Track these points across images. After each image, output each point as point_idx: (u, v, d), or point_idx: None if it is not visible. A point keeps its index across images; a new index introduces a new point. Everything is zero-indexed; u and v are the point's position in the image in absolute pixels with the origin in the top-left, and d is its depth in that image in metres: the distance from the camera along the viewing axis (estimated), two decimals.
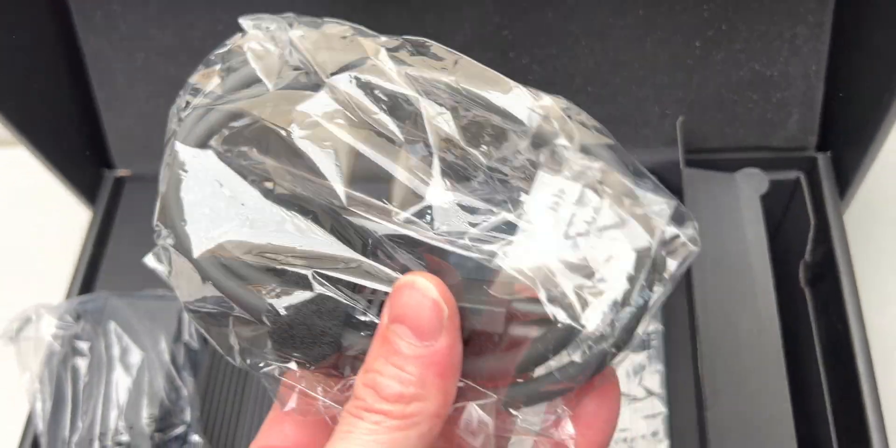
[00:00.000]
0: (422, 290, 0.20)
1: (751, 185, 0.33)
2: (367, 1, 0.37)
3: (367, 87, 0.19)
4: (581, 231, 0.18)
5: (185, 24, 0.39)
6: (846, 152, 0.37)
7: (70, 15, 0.40)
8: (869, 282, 0.40)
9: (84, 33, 0.40)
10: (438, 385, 0.20)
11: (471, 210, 0.19)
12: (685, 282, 0.37)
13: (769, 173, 0.40)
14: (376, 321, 0.20)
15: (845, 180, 0.38)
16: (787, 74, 0.36)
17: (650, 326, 0.36)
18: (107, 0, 0.39)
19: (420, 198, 0.19)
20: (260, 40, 0.20)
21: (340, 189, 0.19)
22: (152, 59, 0.40)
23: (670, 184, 0.41)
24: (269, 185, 0.20)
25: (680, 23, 0.36)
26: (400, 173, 0.19)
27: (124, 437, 0.35)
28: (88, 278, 0.41)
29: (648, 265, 0.18)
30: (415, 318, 0.20)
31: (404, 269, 0.19)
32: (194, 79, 0.21)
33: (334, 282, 0.19)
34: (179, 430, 0.36)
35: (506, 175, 0.19)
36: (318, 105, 0.19)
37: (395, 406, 0.20)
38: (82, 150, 0.43)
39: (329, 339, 0.19)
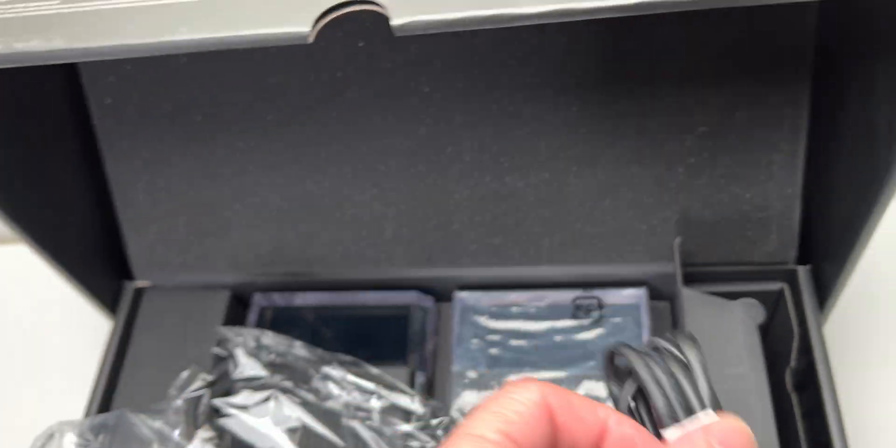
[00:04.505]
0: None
1: (749, 314, 0.36)
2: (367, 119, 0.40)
3: None
4: None
5: (204, 150, 0.42)
6: (825, 266, 0.40)
7: (96, 141, 0.43)
8: (849, 390, 0.42)
9: (109, 158, 0.43)
10: None
11: None
12: None
13: (754, 284, 0.42)
14: None
15: (825, 292, 0.40)
16: (765, 197, 0.39)
17: None
18: (131, 129, 0.42)
19: None
20: None
21: None
22: (173, 182, 0.43)
23: (663, 293, 0.43)
24: None
25: (664, 151, 0.39)
26: None
27: None
28: (108, 391, 0.43)
29: None
30: None
31: None
32: None
33: None
34: None
35: None
36: None
37: None
38: (105, 264, 0.45)
39: None
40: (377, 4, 0.26)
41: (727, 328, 0.35)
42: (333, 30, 0.37)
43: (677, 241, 0.39)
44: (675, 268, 0.39)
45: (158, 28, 0.27)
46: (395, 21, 0.25)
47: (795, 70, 0.36)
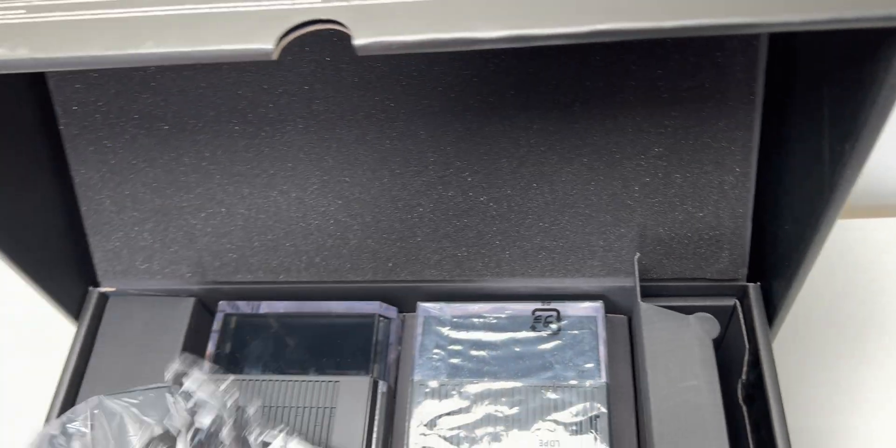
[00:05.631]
0: None
1: (704, 328, 0.37)
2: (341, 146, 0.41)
3: None
4: None
5: (171, 159, 0.43)
6: (774, 283, 0.41)
7: (63, 147, 0.43)
8: (796, 403, 0.44)
9: (75, 165, 0.43)
10: None
11: None
12: (639, 410, 0.40)
13: (709, 299, 0.43)
14: None
15: (774, 308, 0.41)
16: (717, 216, 0.40)
17: (597, 445, 0.39)
18: (97, 136, 0.42)
19: None
20: None
21: None
22: (139, 190, 0.43)
23: (620, 306, 0.44)
24: None
25: (620, 170, 0.40)
26: None
27: None
28: (70, 397, 0.43)
29: None
30: None
31: None
32: None
33: None
34: None
35: None
36: None
37: None
38: (69, 270, 0.46)
39: None
40: (341, 24, 0.27)
41: (683, 342, 0.37)
42: (301, 45, 0.38)
43: (637, 256, 0.41)
44: (634, 282, 0.40)
45: (125, 40, 0.27)
46: (358, 41, 0.26)
47: (745, 95, 0.38)
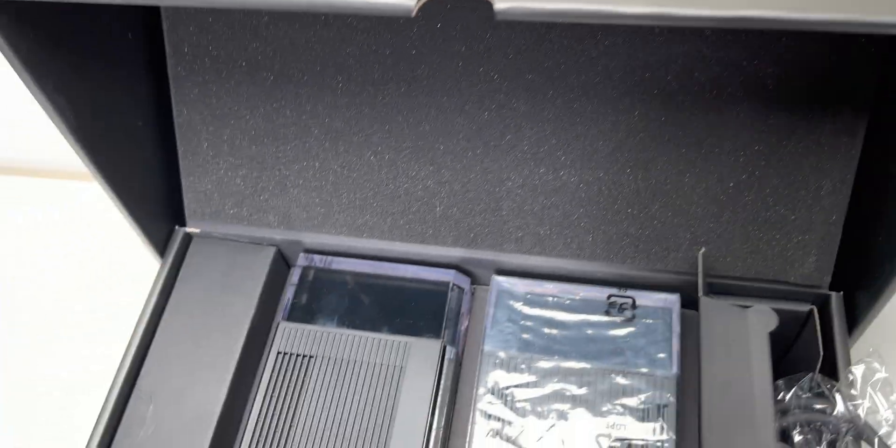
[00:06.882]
0: None
1: (761, 321, 0.37)
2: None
3: None
4: None
5: (272, 110, 0.43)
6: (858, 294, 0.41)
7: (168, 88, 0.44)
8: None
9: (179, 105, 0.44)
10: None
11: None
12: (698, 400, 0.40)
13: (785, 303, 0.43)
14: None
15: (854, 320, 0.41)
16: (809, 220, 0.40)
17: (664, 435, 0.40)
18: (203, 79, 0.43)
19: None
20: None
21: None
22: (237, 136, 0.44)
23: (692, 301, 0.44)
24: None
25: (717, 164, 0.40)
26: None
27: None
28: (152, 325, 0.45)
29: None
30: None
31: None
32: None
33: None
34: None
35: None
36: None
37: None
38: (161, 207, 0.47)
39: None
40: None
41: (738, 335, 0.37)
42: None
43: (701, 251, 0.40)
44: (698, 277, 0.40)
45: None
46: (499, 5, 0.26)
47: (856, 103, 0.37)
